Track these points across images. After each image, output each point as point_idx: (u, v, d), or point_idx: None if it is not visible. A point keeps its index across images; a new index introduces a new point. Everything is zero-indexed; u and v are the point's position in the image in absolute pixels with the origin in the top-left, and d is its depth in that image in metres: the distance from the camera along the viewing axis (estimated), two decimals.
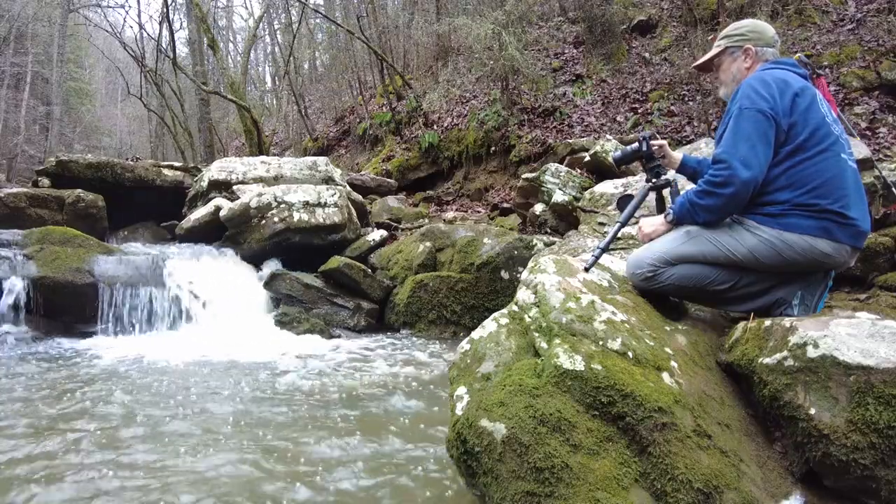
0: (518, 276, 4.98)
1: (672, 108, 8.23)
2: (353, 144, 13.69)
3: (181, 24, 19.80)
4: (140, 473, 2.14)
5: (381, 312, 5.62)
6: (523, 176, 7.13)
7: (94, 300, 4.99)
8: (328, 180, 7.34)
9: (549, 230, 6.25)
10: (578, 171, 6.62)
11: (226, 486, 2.04)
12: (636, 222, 2.41)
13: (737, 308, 2.09)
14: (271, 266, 5.92)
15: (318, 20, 18.77)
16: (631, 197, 2.31)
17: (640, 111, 8.58)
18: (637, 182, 5.25)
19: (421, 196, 9.99)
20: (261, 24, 18.57)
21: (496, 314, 2.05)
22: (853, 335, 1.52)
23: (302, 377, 3.63)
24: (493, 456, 1.57)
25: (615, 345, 1.71)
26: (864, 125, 6.10)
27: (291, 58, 15.84)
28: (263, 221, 6.06)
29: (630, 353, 1.70)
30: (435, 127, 10.86)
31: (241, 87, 14.14)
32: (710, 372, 1.83)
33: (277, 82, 20.25)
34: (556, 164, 6.77)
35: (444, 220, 7.78)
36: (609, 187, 5.56)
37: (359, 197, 7.28)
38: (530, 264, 2.15)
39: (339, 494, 2.00)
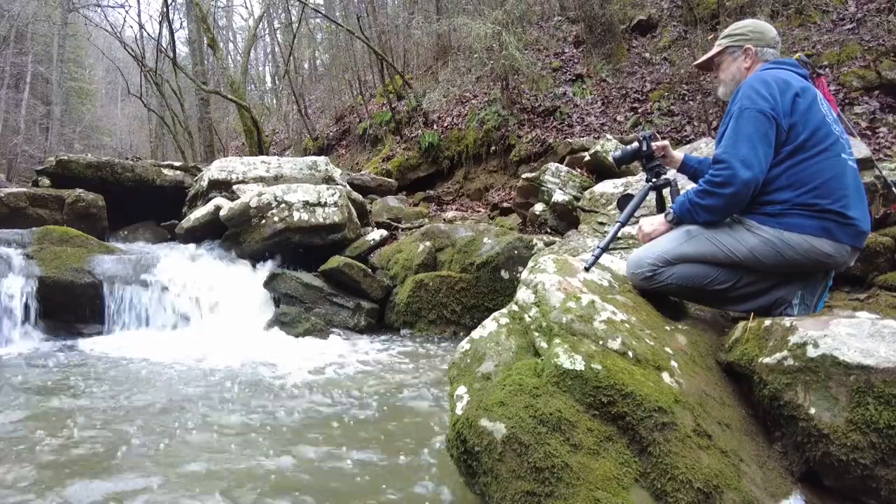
0: (518, 275, 4.98)
1: (672, 107, 8.23)
2: (353, 144, 13.69)
3: (181, 24, 19.79)
4: (137, 475, 2.14)
5: (382, 312, 5.61)
6: (523, 176, 7.12)
7: (95, 300, 4.99)
8: (328, 180, 7.34)
9: (549, 230, 6.25)
10: (578, 170, 6.62)
11: (219, 487, 2.04)
12: (636, 222, 2.41)
13: (737, 308, 2.09)
14: (271, 266, 5.93)
15: (318, 20, 18.76)
16: (631, 196, 2.31)
17: (640, 111, 8.58)
18: (637, 182, 5.24)
19: (421, 196, 9.98)
20: (261, 24, 18.56)
21: (496, 314, 2.05)
22: (853, 335, 1.52)
23: (301, 377, 3.63)
24: (493, 455, 1.57)
25: (615, 344, 1.71)
26: (864, 125, 6.10)
27: (291, 57, 15.83)
28: (263, 221, 6.06)
29: (630, 353, 1.70)
30: (435, 127, 10.86)
31: (241, 87, 14.14)
32: (710, 372, 1.83)
33: (277, 82, 20.24)
34: (556, 164, 6.77)
35: (444, 219, 7.78)
36: (609, 187, 5.55)
37: (359, 196, 7.27)
38: (530, 264, 2.15)
39: (338, 493, 2.00)
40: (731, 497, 1.47)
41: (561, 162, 7.18)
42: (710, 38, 6.93)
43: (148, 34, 18.30)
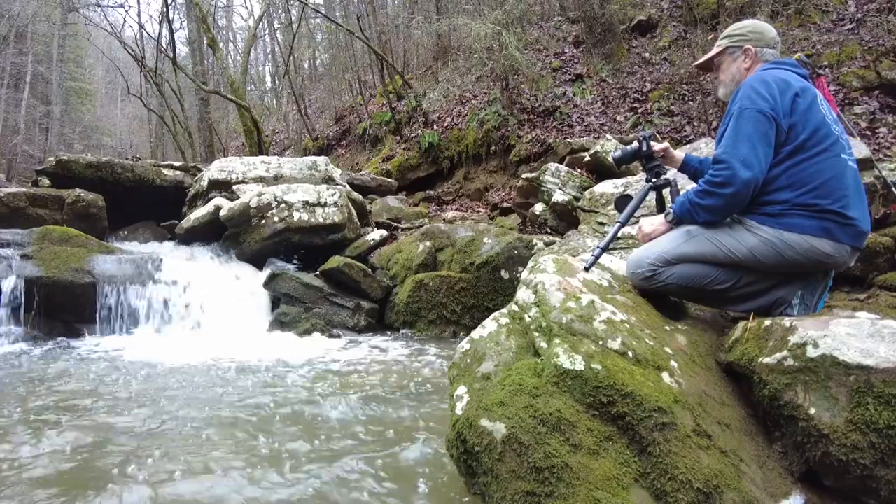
0: (518, 275, 4.97)
1: (672, 108, 8.23)
2: (353, 144, 13.69)
3: (181, 24, 19.80)
4: (138, 479, 2.14)
5: (382, 312, 5.61)
6: (523, 176, 7.13)
7: (94, 300, 4.99)
8: (328, 180, 7.34)
9: (549, 230, 6.25)
10: (578, 170, 6.62)
11: (212, 492, 2.04)
12: (636, 222, 2.41)
13: (737, 308, 2.09)
14: (271, 266, 5.93)
15: (318, 20, 18.77)
16: (629, 197, 2.31)
17: (640, 111, 8.58)
18: (637, 182, 5.25)
19: (421, 196, 9.99)
20: (261, 24, 18.56)
21: (496, 314, 2.05)
22: (853, 335, 1.52)
23: (301, 377, 3.63)
24: (493, 456, 1.57)
25: (615, 344, 1.71)
26: (864, 125, 6.10)
27: (291, 57, 15.83)
28: (263, 221, 6.06)
29: (630, 353, 1.70)
30: (435, 127, 10.86)
31: (241, 87, 14.14)
32: (710, 372, 1.83)
33: (277, 82, 20.25)
34: (556, 164, 6.77)
35: (444, 219, 7.78)
36: (609, 187, 5.56)
37: (359, 196, 7.27)
38: (530, 264, 2.15)
39: (338, 494, 2.00)
40: (730, 497, 1.47)
41: (561, 162, 7.18)
42: (710, 38, 6.93)
43: (148, 34, 18.33)
